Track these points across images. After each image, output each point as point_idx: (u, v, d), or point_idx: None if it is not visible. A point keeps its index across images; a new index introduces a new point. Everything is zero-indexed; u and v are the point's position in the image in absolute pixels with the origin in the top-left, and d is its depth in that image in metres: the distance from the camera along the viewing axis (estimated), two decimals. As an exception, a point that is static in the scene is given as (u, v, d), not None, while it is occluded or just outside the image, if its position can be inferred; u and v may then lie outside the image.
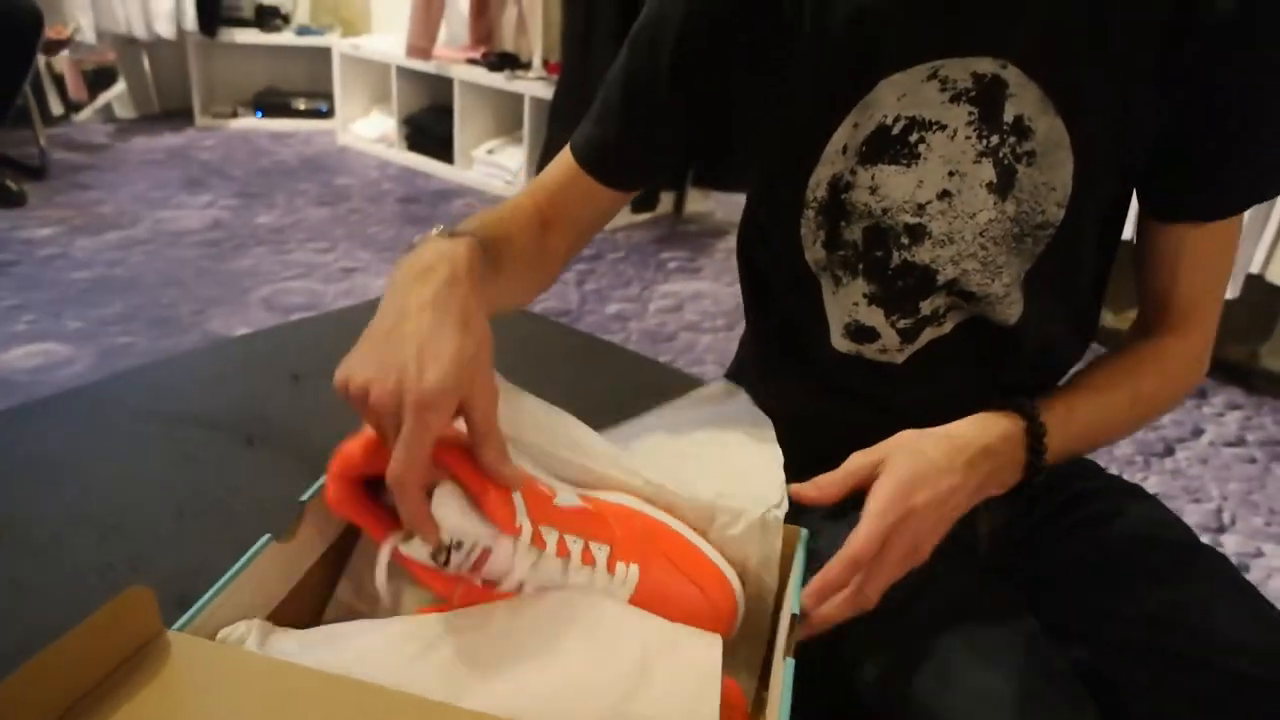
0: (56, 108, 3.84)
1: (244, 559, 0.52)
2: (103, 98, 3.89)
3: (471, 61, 3.14)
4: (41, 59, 3.46)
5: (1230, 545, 1.62)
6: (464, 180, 3.25)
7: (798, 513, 0.72)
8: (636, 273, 2.58)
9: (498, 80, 3.03)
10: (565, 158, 0.76)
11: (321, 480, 0.61)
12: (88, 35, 3.35)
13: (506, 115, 3.24)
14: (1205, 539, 0.71)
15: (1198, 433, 2.01)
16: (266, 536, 0.54)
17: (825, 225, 0.70)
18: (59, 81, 3.86)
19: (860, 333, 0.73)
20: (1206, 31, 0.60)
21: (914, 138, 0.65)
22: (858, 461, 0.62)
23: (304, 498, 0.58)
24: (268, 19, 3.80)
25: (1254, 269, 1.92)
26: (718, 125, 0.73)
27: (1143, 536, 0.71)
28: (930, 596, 0.63)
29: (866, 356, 0.74)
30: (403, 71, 3.32)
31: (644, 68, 0.71)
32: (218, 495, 0.82)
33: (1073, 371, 0.75)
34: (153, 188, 2.96)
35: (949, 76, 0.64)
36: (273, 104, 3.82)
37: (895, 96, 0.65)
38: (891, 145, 0.66)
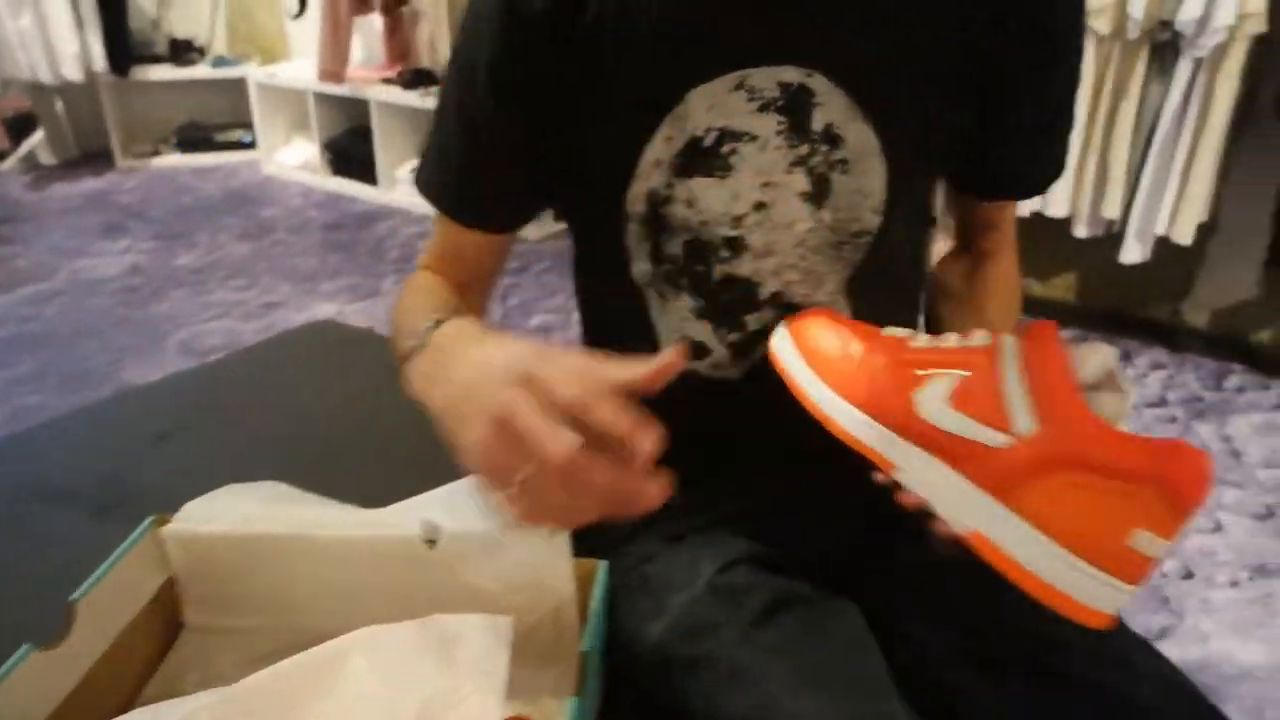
0: (-21, 158, 3.78)
1: (-1, 674, 0.51)
2: (26, 145, 3.83)
3: (387, 81, 3.11)
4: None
5: (1147, 510, 1.64)
6: (389, 201, 3.22)
7: (633, 537, 0.72)
8: (561, 283, 2.57)
9: (413, 98, 3.00)
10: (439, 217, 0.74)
11: (96, 575, 0.60)
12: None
13: (426, 132, 3.22)
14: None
15: (1120, 397, 2.03)
16: (25, 647, 0.53)
17: (649, 239, 0.69)
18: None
19: (692, 348, 0.72)
20: (1002, 30, 0.63)
21: (726, 149, 0.64)
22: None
23: (73, 596, 0.57)
24: (182, 53, 3.74)
25: (1159, 230, 1.94)
26: (548, 152, 0.70)
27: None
28: (772, 616, 0.62)
29: (701, 372, 0.74)
30: (319, 97, 3.29)
31: (469, 100, 0.68)
32: (58, 575, 0.80)
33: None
34: (70, 236, 2.92)
35: (755, 86, 0.63)
36: (194, 139, 3.77)
37: (705, 107, 0.64)
38: (705, 157, 0.65)
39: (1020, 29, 0.64)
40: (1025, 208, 2.08)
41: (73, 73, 3.38)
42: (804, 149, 0.65)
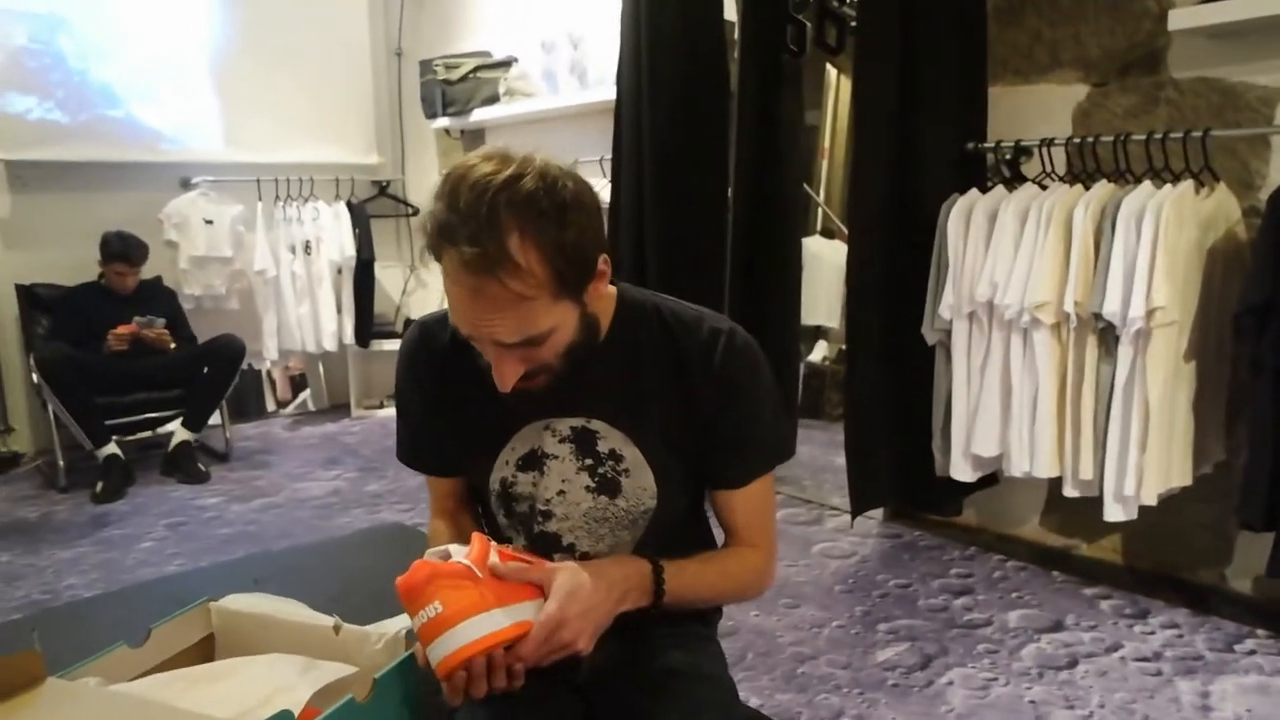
0: (270, 405, 4.98)
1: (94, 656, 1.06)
2: (300, 397, 5.01)
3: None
4: (265, 364, 4.58)
5: (1081, 744, 1.77)
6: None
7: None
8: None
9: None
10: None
11: (168, 618, 1.15)
12: (271, 353, 4.43)
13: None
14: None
15: (1113, 649, 2.15)
16: (119, 643, 1.08)
17: (503, 506, 1.15)
18: (273, 384, 5.04)
19: None
20: (704, 391, 1.07)
21: (543, 461, 1.10)
22: (538, 574, 0.97)
23: (152, 625, 1.12)
24: (411, 330, 4.84)
25: (1128, 493, 2.14)
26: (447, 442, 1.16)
27: (679, 673, 1.08)
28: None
29: None
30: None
31: (403, 406, 1.19)
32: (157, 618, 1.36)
33: None
34: (299, 466, 3.83)
35: (556, 428, 1.10)
36: (412, 394, 4.77)
37: (534, 435, 1.10)
38: (535, 463, 1.11)
39: (712, 396, 1.07)
40: (1018, 471, 2.36)
41: (330, 345, 4.51)
42: (589, 461, 1.08)
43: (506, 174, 0.88)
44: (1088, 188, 2.25)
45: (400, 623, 1.16)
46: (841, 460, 2.71)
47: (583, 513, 1.11)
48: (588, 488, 1.10)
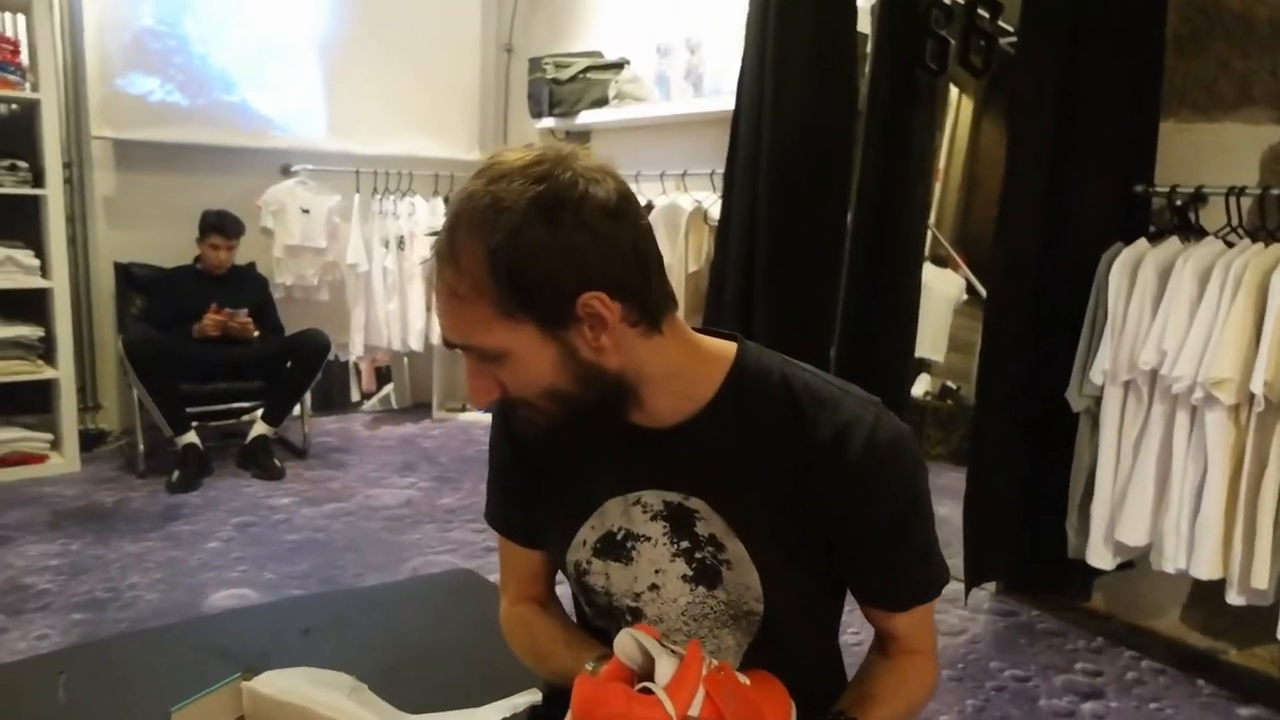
0: (355, 395, 4.93)
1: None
2: (384, 390, 4.95)
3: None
4: (352, 357, 4.53)
5: None
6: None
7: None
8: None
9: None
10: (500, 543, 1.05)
11: (192, 699, 0.97)
12: (356, 349, 4.35)
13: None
14: None
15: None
16: None
17: (580, 595, 0.98)
18: (359, 375, 4.98)
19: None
20: (829, 488, 0.85)
21: (629, 545, 0.92)
22: None
23: (174, 708, 0.95)
24: (499, 334, 4.72)
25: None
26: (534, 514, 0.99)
27: None
28: None
29: None
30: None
31: (493, 470, 1.02)
32: (183, 695, 1.19)
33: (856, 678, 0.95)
34: (374, 469, 3.72)
35: (647, 502, 0.90)
36: (494, 400, 4.65)
37: (619, 512, 0.91)
38: (617, 548, 0.92)
39: (840, 497, 0.85)
40: (1171, 567, 2.04)
41: (416, 344, 4.41)
42: (684, 544, 0.89)
43: (510, 165, 0.77)
44: (1285, 247, 1.93)
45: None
46: (943, 509, 2.44)
47: (680, 610, 0.92)
48: (685, 577, 0.91)
